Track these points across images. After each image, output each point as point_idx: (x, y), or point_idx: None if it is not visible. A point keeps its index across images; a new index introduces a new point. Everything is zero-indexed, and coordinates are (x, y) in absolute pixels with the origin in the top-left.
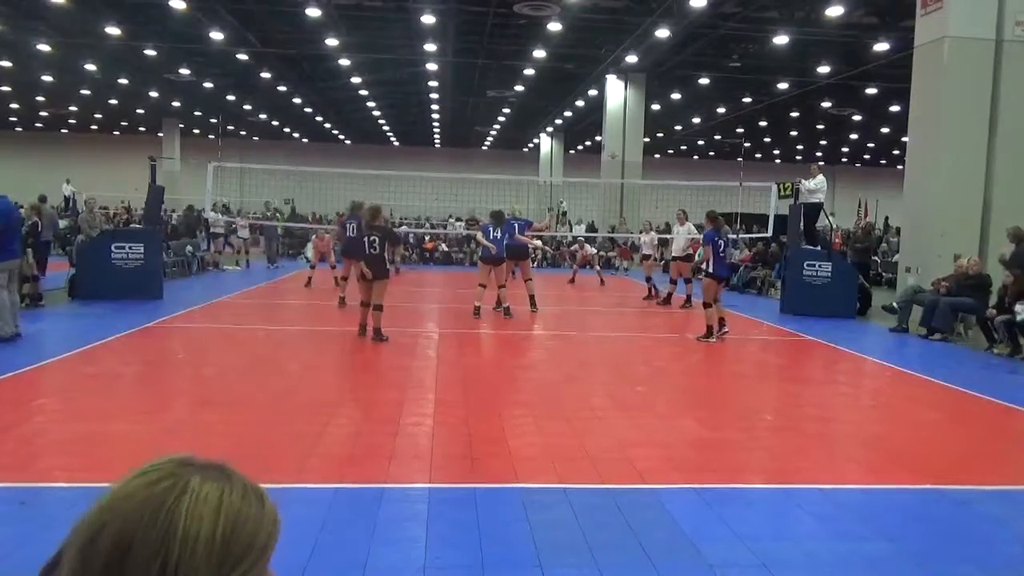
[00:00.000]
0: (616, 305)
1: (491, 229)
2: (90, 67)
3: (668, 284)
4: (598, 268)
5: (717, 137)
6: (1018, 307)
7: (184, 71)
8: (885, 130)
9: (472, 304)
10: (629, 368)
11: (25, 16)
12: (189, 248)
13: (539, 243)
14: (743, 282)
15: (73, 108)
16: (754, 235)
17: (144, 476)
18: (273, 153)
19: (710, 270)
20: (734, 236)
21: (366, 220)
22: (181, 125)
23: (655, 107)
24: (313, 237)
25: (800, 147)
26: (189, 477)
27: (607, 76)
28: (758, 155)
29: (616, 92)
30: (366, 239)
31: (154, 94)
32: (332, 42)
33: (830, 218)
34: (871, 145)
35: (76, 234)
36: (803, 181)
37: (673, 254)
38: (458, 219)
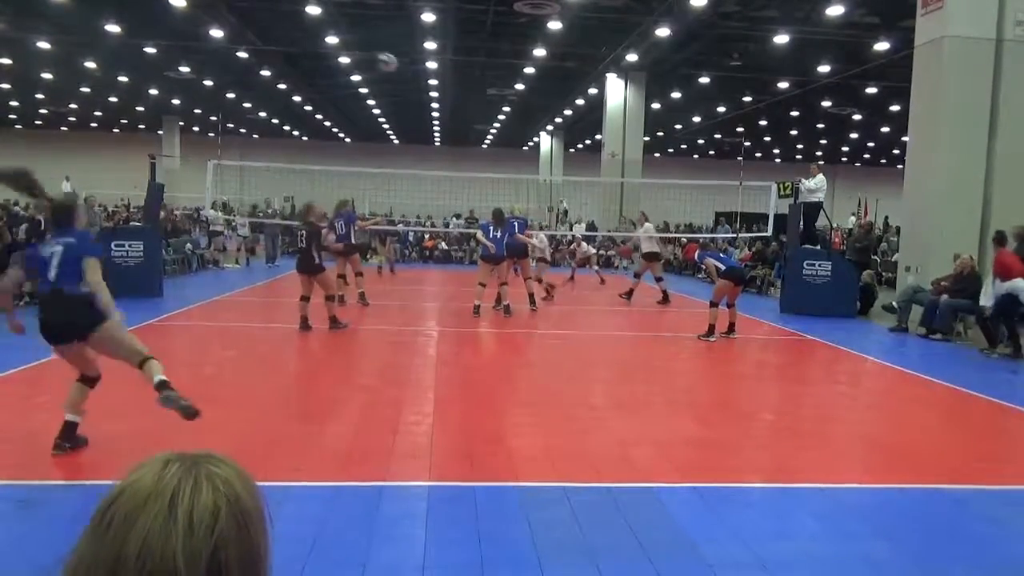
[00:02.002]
0: (615, 304)
1: (491, 228)
2: (90, 65)
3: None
4: (597, 267)
5: (717, 136)
6: (983, 299)
7: (184, 69)
8: (885, 130)
9: (472, 303)
10: (628, 367)
11: (25, 14)
12: (189, 246)
13: (536, 242)
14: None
15: (73, 106)
16: (754, 234)
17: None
18: (273, 151)
19: (722, 268)
20: (733, 235)
21: (301, 215)
22: (181, 123)
23: (655, 106)
24: None
25: (800, 146)
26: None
27: (607, 75)
28: (758, 154)
29: (616, 91)
30: (299, 234)
31: (154, 92)
32: (332, 40)
33: (851, 218)
34: (871, 144)
35: None
36: (803, 180)
37: (641, 252)
38: (465, 218)
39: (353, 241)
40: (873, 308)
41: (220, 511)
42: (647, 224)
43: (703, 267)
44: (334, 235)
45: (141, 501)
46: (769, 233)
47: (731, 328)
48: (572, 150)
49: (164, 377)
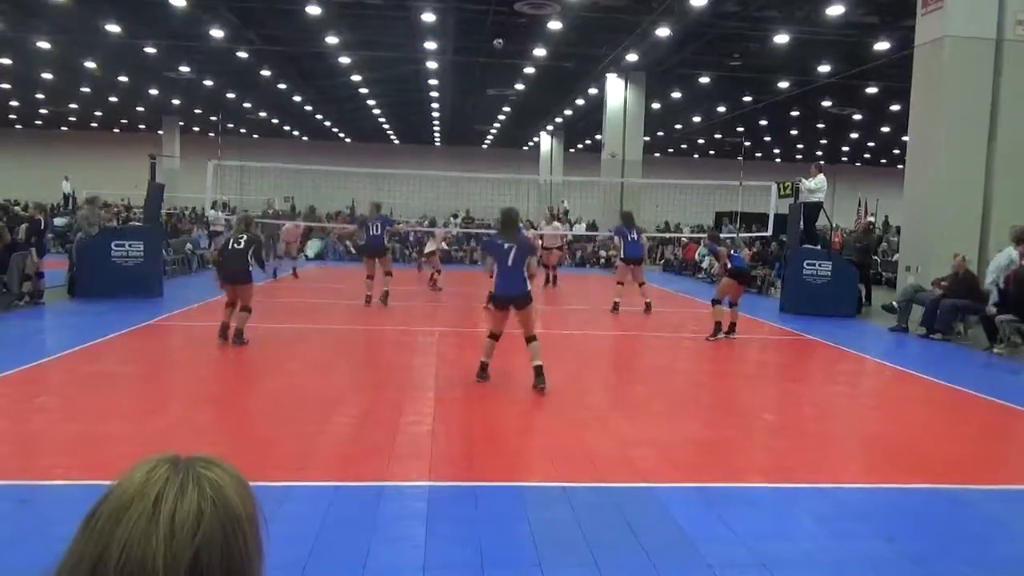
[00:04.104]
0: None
1: (627, 231)
2: (90, 65)
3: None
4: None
5: (717, 136)
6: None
7: (184, 69)
8: (885, 130)
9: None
10: (628, 367)
11: (25, 13)
12: (189, 246)
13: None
14: None
15: (73, 106)
16: (754, 234)
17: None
18: (273, 151)
19: (728, 266)
20: (734, 235)
21: (242, 225)
22: (181, 123)
23: (655, 106)
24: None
25: (800, 146)
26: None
27: (607, 75)
28: (758, 154)
29: (616, 91)
30: (231, 241)
31: (154, 92)
32: (332, 40)
33: (874, 222)
34: (871, 144)
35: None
36: (803, 180)
37: (544, 246)
38: (462, 218)
39: (386, 243)
40: (865, 308)
41: (204, 515)
42: (555, 222)
43: (716, 255)
44: (364, 235)
45: (127, 502)
46: (769, 233)
47: (732, 328)
48: (572, 150)
49: (540, 362)
